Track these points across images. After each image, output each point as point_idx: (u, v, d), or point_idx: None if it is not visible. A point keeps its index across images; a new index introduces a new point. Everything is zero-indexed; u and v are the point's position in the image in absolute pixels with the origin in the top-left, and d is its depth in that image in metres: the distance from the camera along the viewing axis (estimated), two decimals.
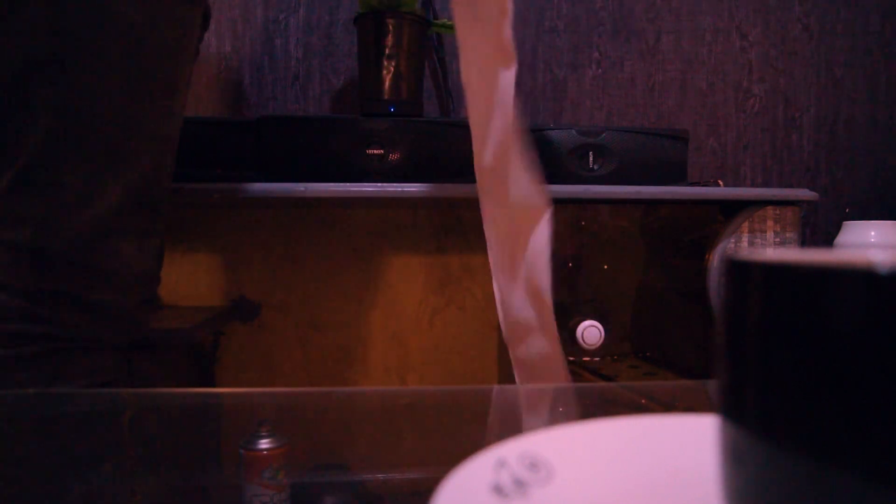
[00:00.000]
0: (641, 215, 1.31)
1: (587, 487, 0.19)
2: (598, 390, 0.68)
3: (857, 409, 0.13)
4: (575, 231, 1.29)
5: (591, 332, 1.03)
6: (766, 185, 1.48)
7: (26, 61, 0.57)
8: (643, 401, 0.49)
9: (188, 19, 0.64)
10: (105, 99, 0.59)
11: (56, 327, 0.59)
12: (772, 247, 1.01)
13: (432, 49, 1.36)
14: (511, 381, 1.22)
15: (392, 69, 1.11)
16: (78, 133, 0.58)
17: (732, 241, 1.01)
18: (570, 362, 1.24)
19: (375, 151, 1.03)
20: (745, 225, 1.01)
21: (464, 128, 1.11)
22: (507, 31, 0.63)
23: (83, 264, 0.59)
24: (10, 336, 0.58)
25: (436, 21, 1.23)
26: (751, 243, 1.01)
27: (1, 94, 0.57)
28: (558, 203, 1.02)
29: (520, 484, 0.18)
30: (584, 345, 1.04)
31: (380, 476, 0.37)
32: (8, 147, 0.57)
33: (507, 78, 0.64)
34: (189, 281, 1.29)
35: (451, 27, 1.20)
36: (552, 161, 1.07)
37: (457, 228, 1.34)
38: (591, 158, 1.08)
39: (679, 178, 1.16)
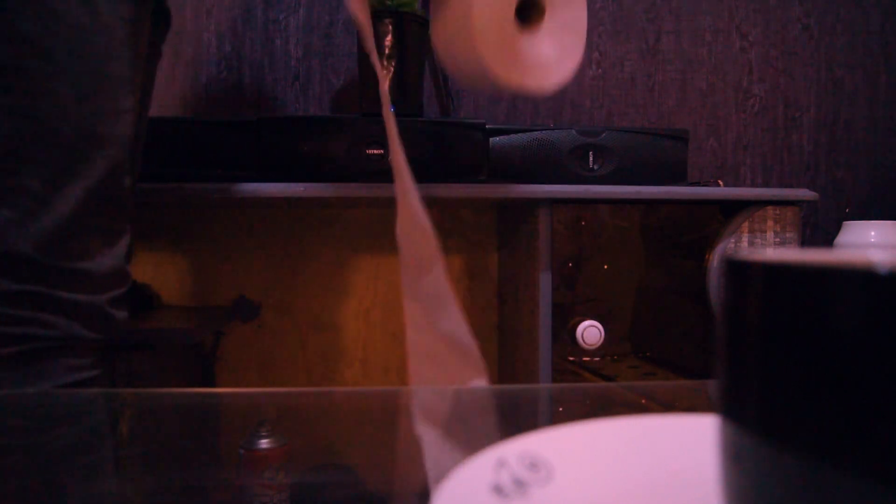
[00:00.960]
0: (641, 215, 1.31)
1: (587, 487, 0.19)
2: (598, 390, 0.68)
3: (858, 409, 0.13)
4: (575, 231, 1.29)
5: (591, 332, 1.03)
6: (766, 185, 1.48)
7: None
8: (643, 401, 0.49)
9: (137, 18, 0.64)
10: (58, 102, 0.60)
11: (33, 328, 0.60)
12: (772, 247, 1.01)
13: (432, 49, 1.36)
14: (510, 380, 1.22)
15: (392, 69, 1.11)
16: (34, 137, 0.59)
17: (732, 241, 1.01)
18: (569, 362, 1.24)
19: (375, 151, 1.03)
20: (745, 225, 1.01)
21: (463, 128, 1.11)
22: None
23: (53, 265, 0.60)
24: None
25: None
26: (751, 243, 1.01)
27: None
28: (558, 203, 1.02)
29: (520, 484, 0.18)
30: (584, 345, 1.04)
31: (380, 476, 0.37)
32: None
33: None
34: (189, 281, 1.29)
35: None
36: (552, 161, 1.07)
37: (457, 228, 1.34)
38: (591, 158, 1.08)
39: (679, 178, 1.16)
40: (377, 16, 1.11)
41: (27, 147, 0.59)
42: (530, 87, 0.75)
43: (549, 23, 0.76)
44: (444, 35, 0.77)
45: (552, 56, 0.76)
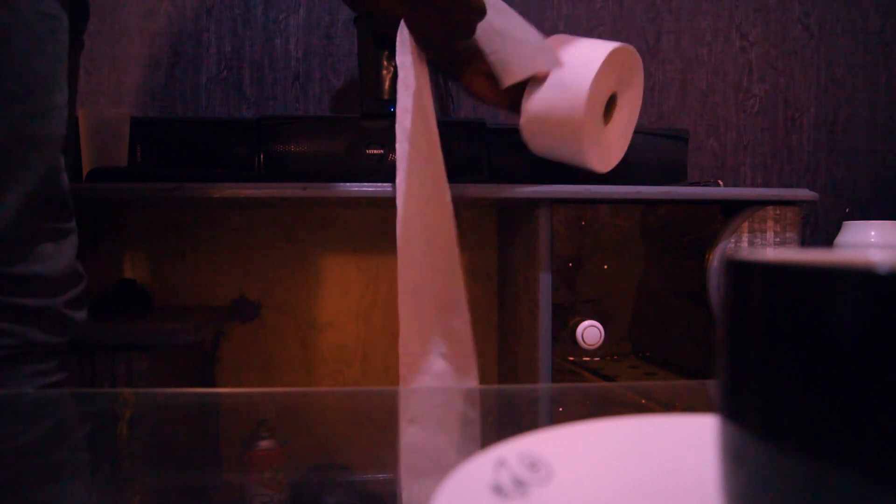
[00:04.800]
0: (641, 215, 1.31)
1: (587, 487, 0.19)
2: (598, 390, 0.68)
3: (858, 409, 0.13)
4: (575, 231, 1.29)
5: (591, 332, 1.03)
6: (766, 185, 1.48)
7: None
8: (643, 401, 0.49)
9: (55, 10, 0.61)
10: None
11: None
12: (772, 247, 1.01)
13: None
14: (510, 380, 1.22)
15: (392, 69, 1.11)
16: None
17: (732, 241, 1.01)
18: (569, 362, 1.24)
19: (375, 151, 1.03)
20: (745, 225, 1.01)
21: (463, 127, 1.11)
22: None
23: (2, 273, 0.58)
24: None
25: None
26: (751, 243, 1.01)
27: None
28: (558, 203, 1.02)
29: (519, 484, 0.18)
30: (584, 345, 1.04)
31: (380, 476, 0.37)
32: None
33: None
34: (189, 281, 1.29)
35: None
36: (552, 161, 1.07)
37: (456, 228, 1.33)
38: None
39: (679, 178, 1.16)
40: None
41: None
42: (597, 168, 0.93)
43: (619, 115, 0.94)
44: (548, 128, 0.91)
45: (616, 142, 0.95)
